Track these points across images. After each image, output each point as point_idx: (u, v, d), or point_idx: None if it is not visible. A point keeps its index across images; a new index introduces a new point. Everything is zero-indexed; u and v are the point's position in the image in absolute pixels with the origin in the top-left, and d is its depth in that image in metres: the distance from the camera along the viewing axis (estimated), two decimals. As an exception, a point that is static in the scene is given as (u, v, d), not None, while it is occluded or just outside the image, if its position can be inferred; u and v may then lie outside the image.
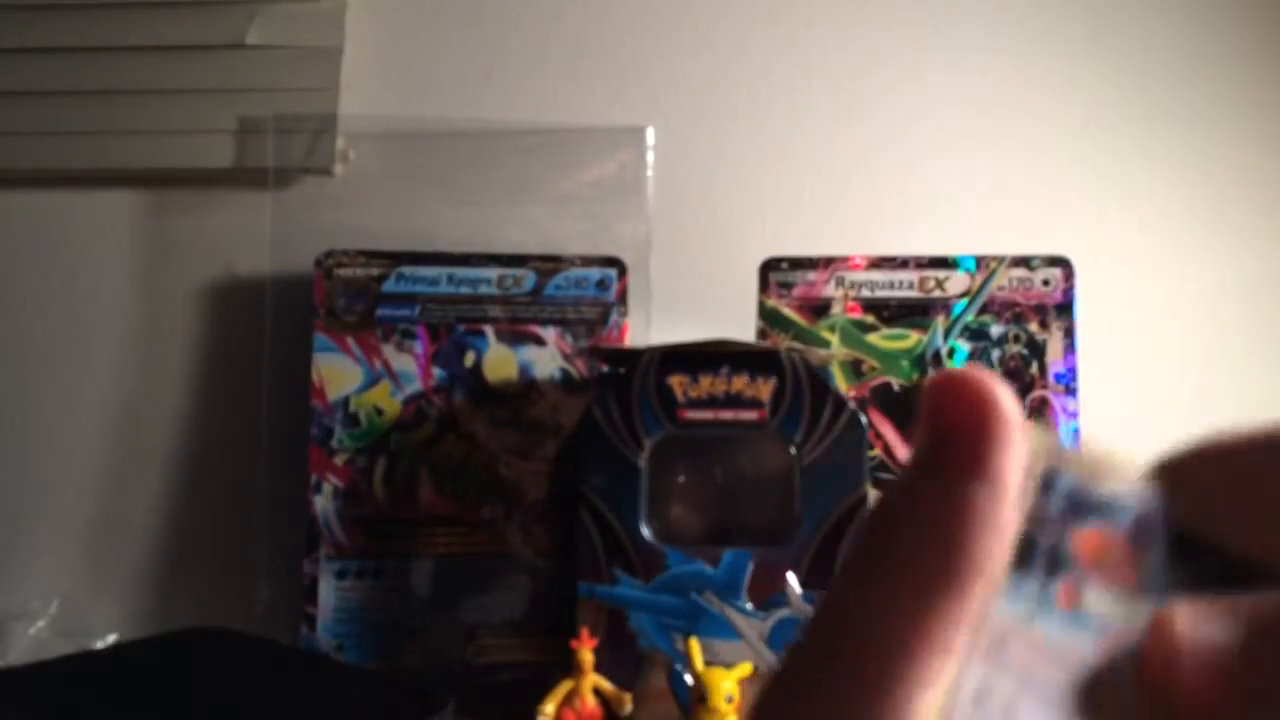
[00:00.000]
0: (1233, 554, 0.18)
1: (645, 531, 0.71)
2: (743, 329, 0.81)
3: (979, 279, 0.81)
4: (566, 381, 0.81)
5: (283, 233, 0.84)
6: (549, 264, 0.82)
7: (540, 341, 0.81)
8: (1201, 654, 0.17)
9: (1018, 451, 0.18)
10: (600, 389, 0.76)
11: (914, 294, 0.81)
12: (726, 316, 0.81)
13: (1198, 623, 0.17)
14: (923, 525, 0.17)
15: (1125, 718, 0.17)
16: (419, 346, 0.80)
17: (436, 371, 0.80)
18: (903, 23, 0.89)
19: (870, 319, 0.81)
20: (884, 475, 0.79)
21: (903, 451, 0.79)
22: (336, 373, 0.79)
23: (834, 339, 0.81)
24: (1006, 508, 0.17)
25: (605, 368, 0.79)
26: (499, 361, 0.81)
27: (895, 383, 0.80)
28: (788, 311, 0.81)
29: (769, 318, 0.81)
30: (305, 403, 0.79)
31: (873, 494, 0.72)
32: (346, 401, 0.79)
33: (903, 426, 0.80)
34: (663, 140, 0.86)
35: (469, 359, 0.80)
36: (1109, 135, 0.88)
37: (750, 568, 0.70)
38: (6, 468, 0.86)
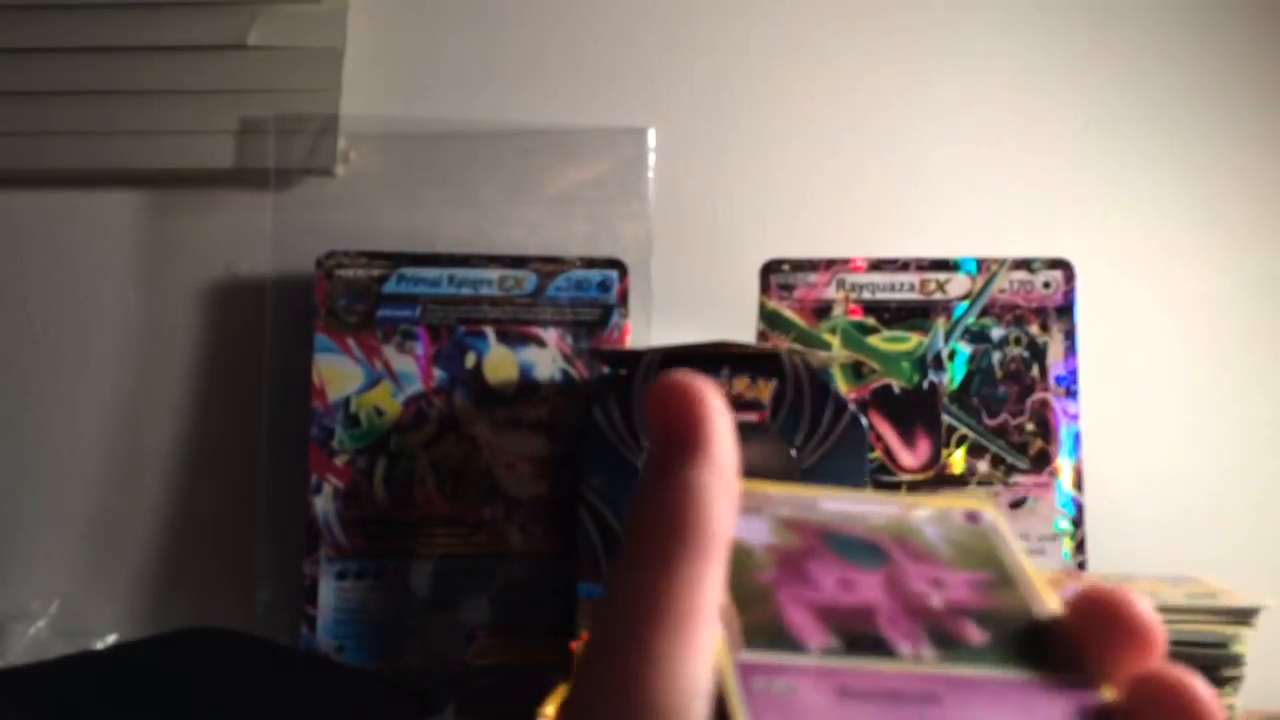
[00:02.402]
0: None
1: (645, 533, 0.71)
2: (743, 331, 0.81)
3: (980, 281, 0.81)
4: (567, 383, 0.81)
5: (284, 233, 0.84)
6: (550, 265, 0.82)
7: (541, 343, 0.81)
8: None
9: (726, 433, 0.21)
10: (601, 390, 0.76)
11: (915, 296, 0.81)
12: (727, 318, 0.81)
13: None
14: (665, 505, 0.20)
15: None
16: (420, 347, 0.80)
17: (437, 372, 0.80)
18: (904, 27, 0.89)
19: (871, 321, 0.81)
20: (884, 476, 0.79)
21: (903, 453, 0.80)
22: (337, 373, 0.79)
23: (835, 341, 0.81)
24: (724, 479, 0.21)
25: (606, 369, 0.79)
26: (500, 362, 0.81)
27: (896, 385, 0.80)
28: (789, 313, 0.81)
29: (770, 319, 0.81)
30: (306, 403, 0.79)
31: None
32: (347, 402, 0.79)
33: (904, 428, 0.80)
34: (664, 142, 0.86)
35: (470, 360, 0.80)
36: (1110, 139, 0.88)
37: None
38: (6, 468, 0.86)
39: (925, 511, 0.24)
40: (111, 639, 0.80)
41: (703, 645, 0.19)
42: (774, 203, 0.88)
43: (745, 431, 0.71)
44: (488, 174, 0.86)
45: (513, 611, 0.78)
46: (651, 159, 0.86)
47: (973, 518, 0.24)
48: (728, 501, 0.21)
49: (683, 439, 0.21)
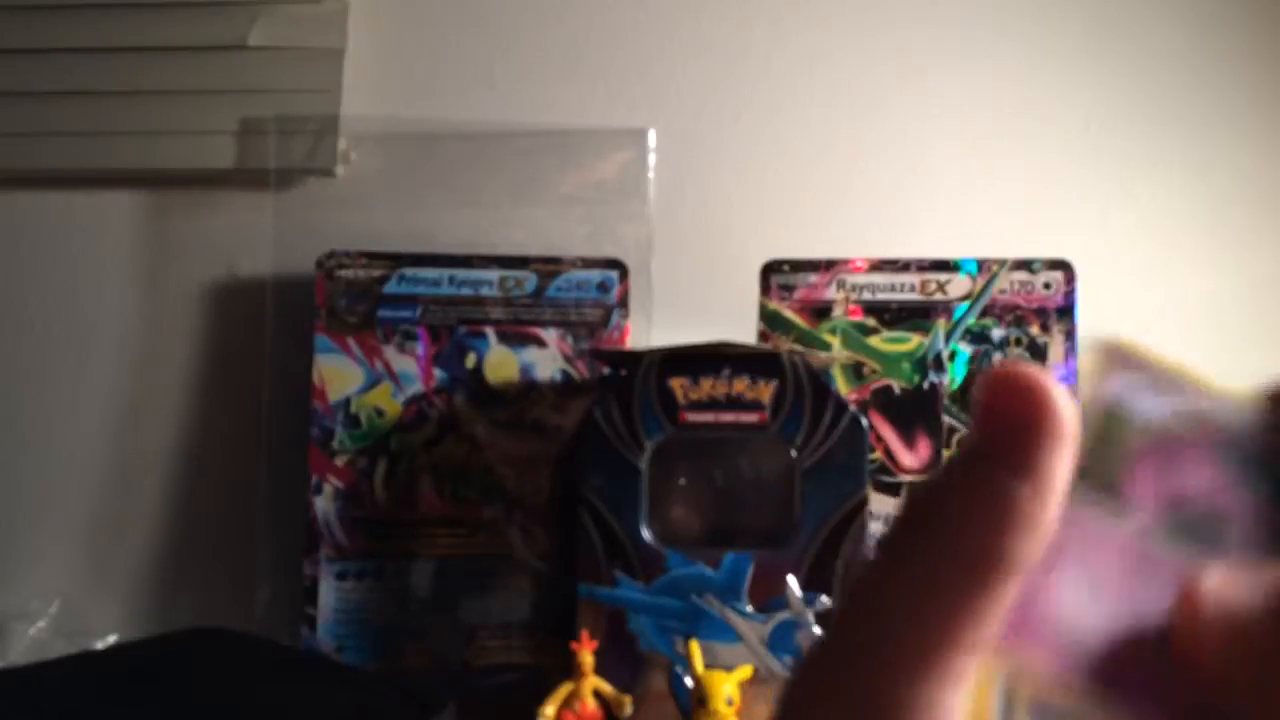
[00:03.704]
0: None
1: (646, 533, 0.71)
2: (744, 331, 0.81)
3: (980, 282, 0.81)
4: (567, 383, 0.81)
5: (284, 234, 0.84)
6: (550, 266, 0.82)
7: (541, 343, 0.81)
8: (1224, 618, 0.16)
9: (1066, 454, 0.17)
10: (601, 391, 0.76)
11: (915, 297, 0.81)
12: (727, 319, 0.81)
13: (1224, 586, 0.17)
14: (960, 518, 0.17)
15: (1155, 677, 0.17)
16: (420, 348, 0.80)
17: (437, 373, 0.80)
18: (904, 26, 0.89)
19: (871, 322, 0.81)
20: (884, 478, 0.79)
21: (904, 453, 0.80)
22: (337, 374, 0.79)
23: (835, 341, 0.81)
24: (1048, 509, 0.17)
25: (606, 370, 0.79)
26: (500, 363, 0.81)
27: (896, 385, 0.80)
28: (789, 314, 0.81)
29: (770, 320, 0.81)
30: (306, 404, 0.79)
31: (875, 497, 0.72)
32: (347, 402, 0.79)
33: (904, 429, 0.80)
34: (664, 142, 0.86)
35: (470, 360, 0.80)
36: (1110, 138, 0.88)
37: (751, 570, 0.70)
38: (6, 468, 0.86)
39: None
40: (111, 639, 0.80)
41: (968, 685, 0.16)
42: (774, 203, 0.88)
43: (745, 432, 0.71)
44: (488, 174, 0.86)
45: (513, 611, 0.78)
46: (651, 159, 0.86)
47: None
48: (1044, 529, 0.17)
49: (1010, 442, 0.17)
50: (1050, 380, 0.17)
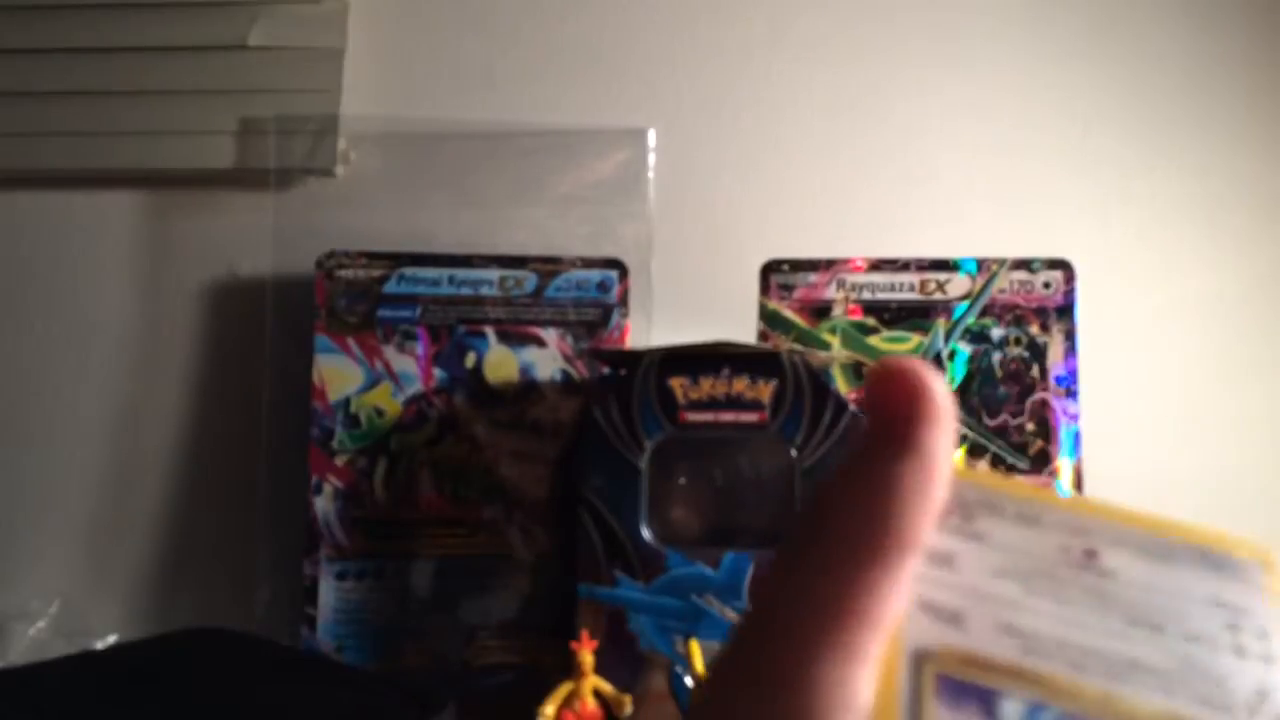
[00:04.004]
0: None
1: (645, 533, 0.71)
2: (744, 331, 0.81)
3: (980, 281, 0.81)
4: (567, 383, 0.81)
5: (284, 234, 0.84)
6: (550, 265, 0.82)
7: (541, 343, 0.81)
8: None
9: (946, 432, 0.19)
10: (601, 391, 0.76)
11: (915, 296, 0.81)
12: (727, 318, 0.81)
13: None
14: (855, 501, 0.18)
15: None
16: (420, 347, 0.80)
17: (437, 372, 0.80)
18: (905, 27, 0.89)
19: (871, 321, 0.81)
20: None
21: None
22: (337, 373, 0.79)
23: (835, 341, 0.81)
24: (933, 484, 0.18)
25: (606, 369, 0.79)
26: (500, 363, 0.81)
27: (896, 385, 0.80)
28: (789, 313, 0.81)
29: (770, 320, 0.81)
30: (306, 403, 0.79)
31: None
32: (347, 402, 0.79)
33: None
34: (664, 142, 0.86)
35: (470, 360, 0.80)
36: (1110, 138, 0.88)
37: (751, 570, 0.70)
38: (6, 468, 0.86)
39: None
40: (111, 639, 0.80)
41: (873, 663, 0.17)
42: (774, 203, 0.88)
43: (745, 431, 0.71)
44: (488, 174, 0.86)
45: (513, 611, 0.78)
46: (651, 159, 0.86)
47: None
48: (931, 503, 0.18)
49: (891, 428, 0.19)
50: (926, 368, 0.19)
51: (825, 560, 0.18)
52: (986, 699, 0.17)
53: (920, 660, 0.17)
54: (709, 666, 0.19)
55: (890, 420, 0.19)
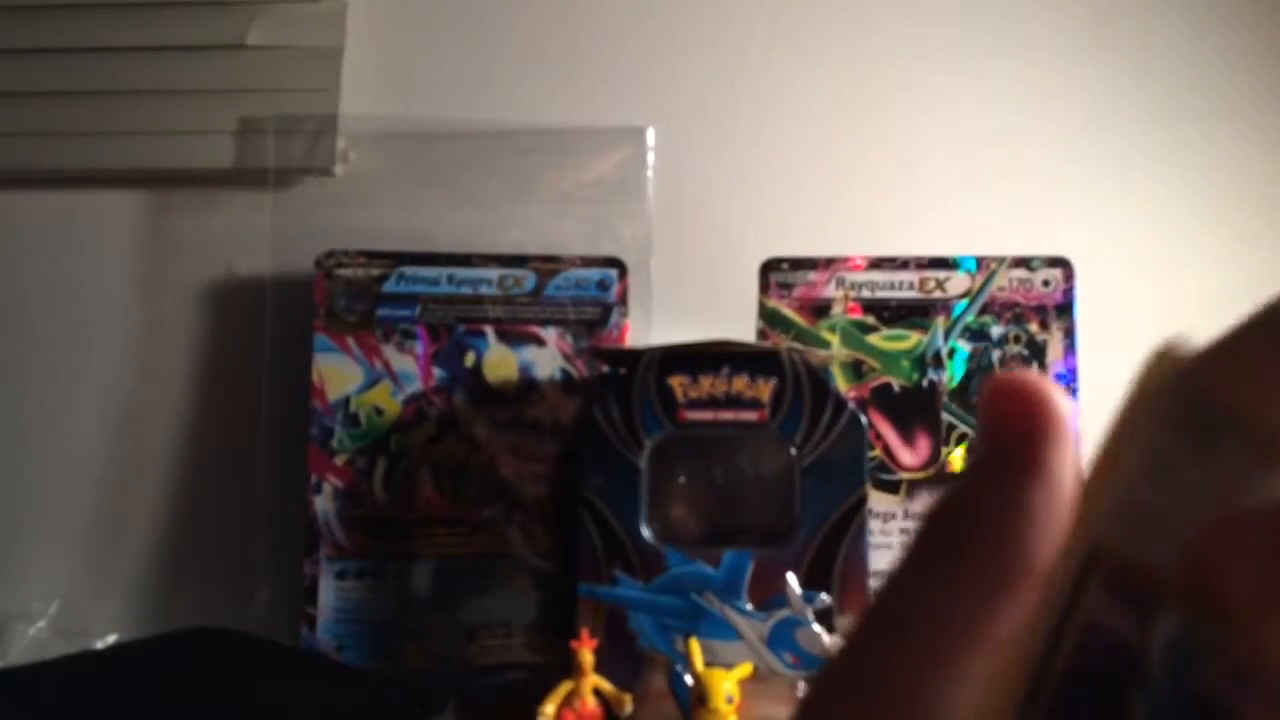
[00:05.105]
0: None
1: (645, 532, 0.71)
2: (743, 329, 0.81)
3: (979, 280, 0.81)
4: (567, 382, 0.81)
5: (283, 233, 0.84)
6: (549, 264, 0.82)
7: (540, 342, 0.81)
8: (1255, 559, 0.15)
9: (1069, 449, 0.18)
10: (600, 389, 0.76)
11: (914, 295, 0.81)
12: (727, 317, 0.81)
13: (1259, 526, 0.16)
14: (980, 521, 0.18)
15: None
16: (419, 347, 0.80)
17: (437, 372, 0.80)
18: (904, 23, 0.89)
19: (870, 320, 0.81)
20: (884, 476, 0.79)
21: (903, 451, 0.79)
22: (337, 373, 0.79)
23: (834, 339, 0.81)
24: (1060, 505, 0.18)
25: (606, 368, 0.79)
26: (499, 362, 0.81)
27: (895, 383, 0.80)
28: (788, 312, 0.81)
29: (769, 318, 0.81)
30: (305, 403, 0.79)
31: (874, 495, 0.72)
32: (347, 402, 0.79)
33: (903, 427, 0.80)
34: (663, 141, 0.86)
35: (469, 359, 0.80)
36: (1110, 135, 0.88)
37: (750, 568, 0.70)
38: (6, 468, 0.86)
39: None
40: (111, 639, 0.80)
41: (977, 688, 0.17)
42: (773, 202, 0.88)
43: (744, 430, 0.71)
44: (487, 173, 0.86)
45: (513, 611, 0.78)
46: (651, 158, 0.86)
47: None
48: (1058, 527, 0.17)
49: (1015, 447, 0.18)
50: (1047, 383, 0.18)
51: (954, 581, 0.17)
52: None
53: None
54: (814, 680, 0.18)
55: (1012, 438, 0.18)
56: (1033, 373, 0.19)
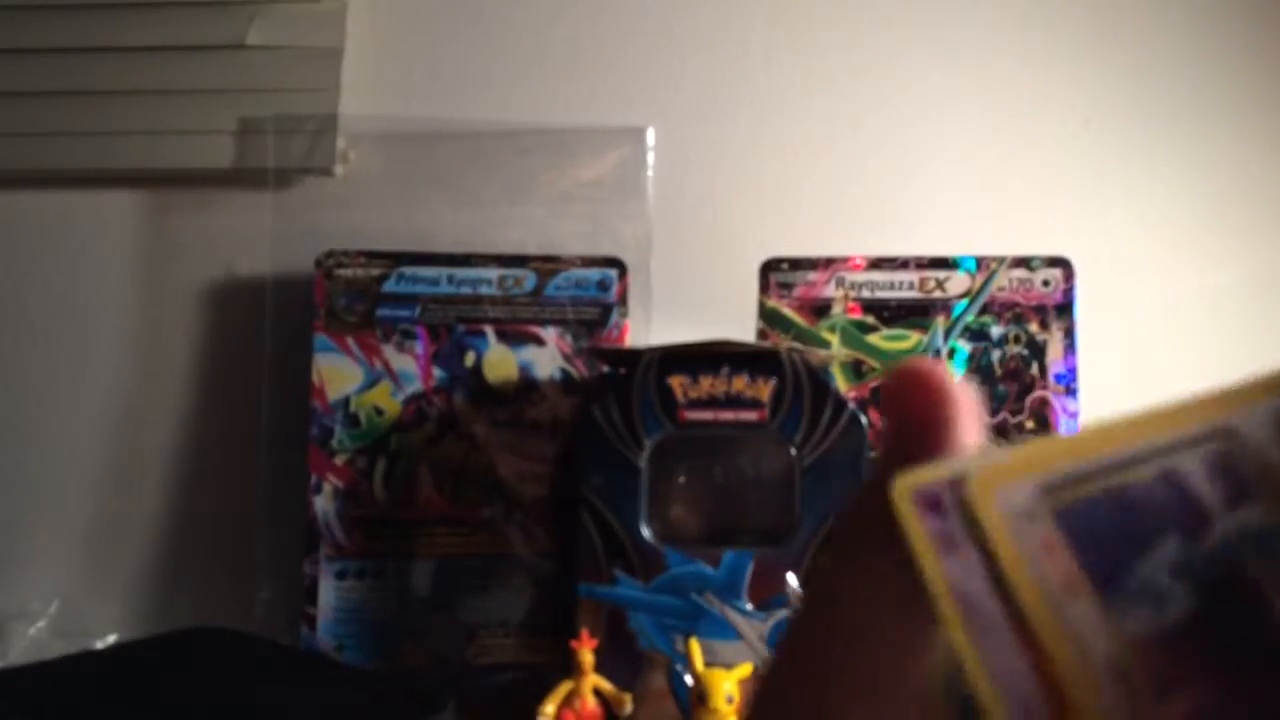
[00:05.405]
0: None
1: (645, 532, 0.71)
2: (743, 329, 0.81)
3: (979, 279, 0.81)
4: (567, 382, 0.81)
5: (283, 233, 0.84)
6: (549, 264, 0.82)
7: (540, 342, 0.81)
8: None
9: (972, 429, 0.19)
10: (600, 389, 0.76)
11: (914, 294, 0.81)
12: (727, 317, 0.81)
13: None
14: (875, 513, 0.18)
15: None
16: (419, 347, 0.80)
17: (436, 372, 0.80)
18: (904, 24, 0.89)
19: (870, 319, 0.81)
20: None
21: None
22: (337, 373, 0.79)
23: (834, 339, 0.81)
24: None
25: (605, 368, 0.79)
26: (499, 362, 0.81)
27: (895, 383, 0.80)
28: (788, 312, 0.81)
29: (769, 318, 0.81)
30: (305, 403, 0.79)
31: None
32: (346, 401, 0.79)
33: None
34: (663, 140, 0.86)
35: (469, 359, 0.80)
36: (1109, 136, 0.88)
37: (750, 568, 0.70)
38: (6, 468, 0.86)
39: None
40: (111, 639, 0.80)
41: (929, 652, 0.17)
42: (773, 201, 0.88)
43: (744, 430, 0.71)
44: (487, 173, 0.86)
45: (513, 611, 0.78)
46: (650, 158, 0.86)
47: None
48: None
49: (918, 437, 0.18)
50: (940, 367, 0.19)
51: (859, 562, 0.18)
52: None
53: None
54: (772, 648, 0.20)
55: (914, 425, 0.19)
56: (929, 360, 0.19)
